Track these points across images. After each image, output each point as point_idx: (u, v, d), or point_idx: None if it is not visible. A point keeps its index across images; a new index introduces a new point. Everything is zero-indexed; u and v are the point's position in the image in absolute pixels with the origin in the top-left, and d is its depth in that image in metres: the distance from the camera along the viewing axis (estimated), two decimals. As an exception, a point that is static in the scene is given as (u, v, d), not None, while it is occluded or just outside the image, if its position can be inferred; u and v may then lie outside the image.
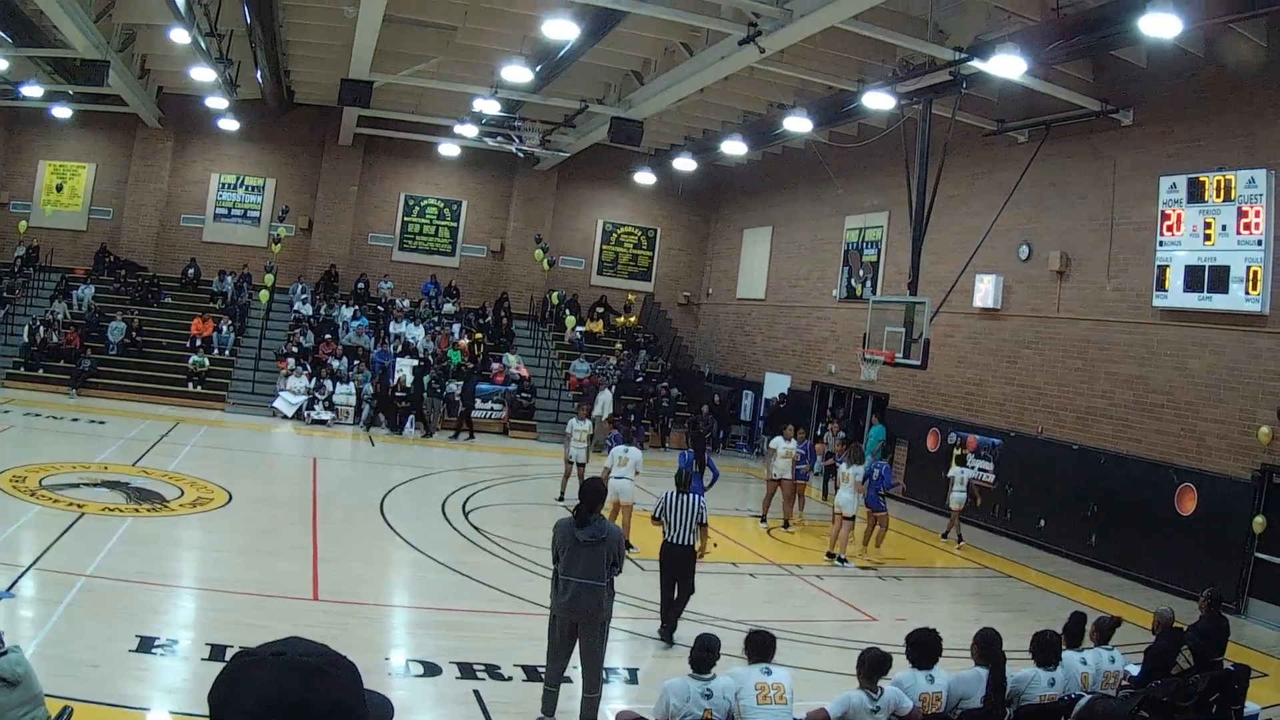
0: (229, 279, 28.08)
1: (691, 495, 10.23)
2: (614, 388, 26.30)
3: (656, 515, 10.27)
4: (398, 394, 23.91)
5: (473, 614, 10.53)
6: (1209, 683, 7.72)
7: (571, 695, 7.67)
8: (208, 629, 8.81)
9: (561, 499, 16.62)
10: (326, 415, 23.61)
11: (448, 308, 29.54)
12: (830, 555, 14.83)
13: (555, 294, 30.94)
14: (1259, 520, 13.62)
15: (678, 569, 10.01)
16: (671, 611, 10.02)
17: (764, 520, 17.13)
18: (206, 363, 24.69)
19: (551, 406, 26.35)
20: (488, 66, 20.32)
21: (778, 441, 17.07)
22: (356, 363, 25.26)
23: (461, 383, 24.90)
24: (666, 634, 9.89)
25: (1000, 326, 19.31)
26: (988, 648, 6.65)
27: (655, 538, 10.31)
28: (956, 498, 17.01)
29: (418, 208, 30.97)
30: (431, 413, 24.05)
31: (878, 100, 17.56)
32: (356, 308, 28.24)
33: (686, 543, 10.02)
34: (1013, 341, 18.93)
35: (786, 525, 16.80)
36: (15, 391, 22.06)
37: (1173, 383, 15.42)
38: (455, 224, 31.25)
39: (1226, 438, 14.43)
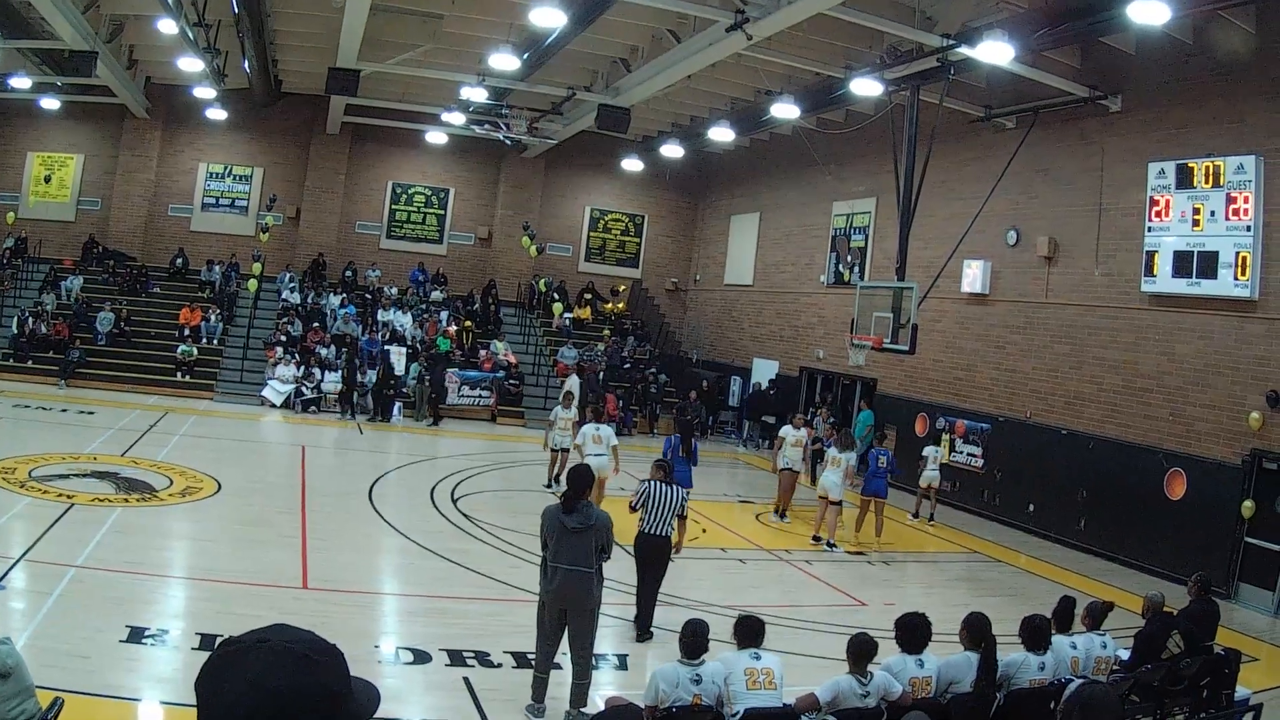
0: (217, 268, 27.98)
1: (674, 486, 9.87)
2: (602, 374, 26.30)
3: (635, 505, 9.84)
4: (389, 382, 23.90)
5: (462, 601, 10.53)
6: (1200, 667, 7.77)
7: (561, 682, 7.68)
8: (198, 619, 8.80)
9: (549, 486, 16.66)
10: (315, 395, 23.66)
11: (436, 295, 29.47)
12: (817, 539, 14.85)
13: (543, 281, 30.88)
14: (1248, 505, 13.70)
15: (651, 560, 9.72)
16: (644, 602, 9.71)
17: (784, 516, 16.49)
18: (195, 352, 24.59)
19: (539, 393, 26.30)
20: (475, 54, 20.25)
21: (787, 430, 16.47)
22: (345, 351, 25.20)
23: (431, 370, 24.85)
24: (641, 627, 9.61)
25: (988, 312, 19.34)
26: (977, 632, 6.65)
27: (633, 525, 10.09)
28: (928, 475, 17.09)
29: (405, 196, 30.87)
30: (420, 401, 24.06)
31: (865, 87, 17.53)
32: (344, 296, 28.17)
33: (663, 534, 9.68)
34: (1001, 327, 18.96)
35: (782, 515, 16.53)
36: (4, 383, 21.90)
37: (1161, 368, 15.48)
38: (443, 211, 31.19)
39: (1215, 423, 14.50)
